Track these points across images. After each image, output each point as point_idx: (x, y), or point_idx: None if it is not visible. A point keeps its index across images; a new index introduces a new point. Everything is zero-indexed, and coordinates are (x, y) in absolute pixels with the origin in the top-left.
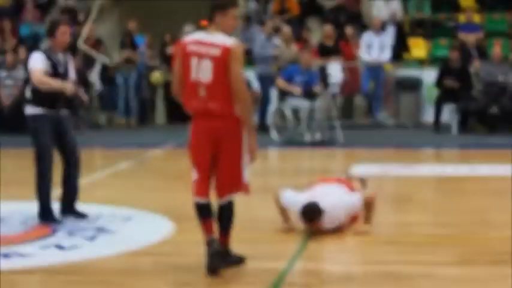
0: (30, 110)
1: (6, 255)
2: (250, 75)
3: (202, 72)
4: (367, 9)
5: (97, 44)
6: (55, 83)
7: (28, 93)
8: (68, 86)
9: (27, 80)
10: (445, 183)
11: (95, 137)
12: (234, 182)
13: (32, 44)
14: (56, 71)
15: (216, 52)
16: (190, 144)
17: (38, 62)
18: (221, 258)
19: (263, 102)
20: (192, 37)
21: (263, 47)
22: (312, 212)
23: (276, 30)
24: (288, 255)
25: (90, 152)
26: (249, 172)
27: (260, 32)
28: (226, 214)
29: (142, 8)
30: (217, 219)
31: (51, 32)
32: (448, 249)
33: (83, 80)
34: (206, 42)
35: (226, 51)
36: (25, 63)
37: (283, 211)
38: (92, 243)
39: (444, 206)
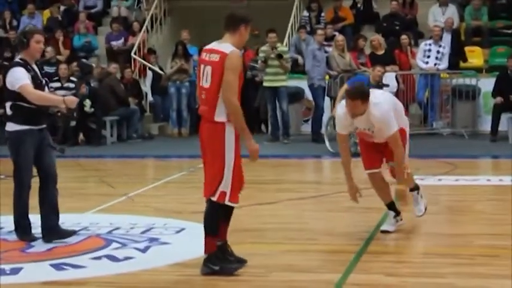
0: (12, 126)
1: (59, 267)
2: (303, 85)
3: (205, 77)
4: (422, 17)
5: (150, 54)
6: (55, 98)
7: (9, 110)
8: (70, 99)
9: (7, 97)
10: (502, 193)
11: (147, 148)
12: (210, 185)
13: (86, 55)
14: (36, 84)
15: (216, 58)
16: None
17: (23, 77)
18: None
19: (316, 112)
20: (207, 46)
21: (315, 56)
22: (356, 90)
23: (329, 39)
24: (342, 267)
25: (142, 162)
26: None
27: (312, 41)
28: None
29: (195, 18)
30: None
31: (25, 42)
32: (504, 261)
33: (136, 90)
34: (213, 49)
35: (224, 57)
36: (3, 76)
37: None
38: (145, 254)
39: (501, 217)
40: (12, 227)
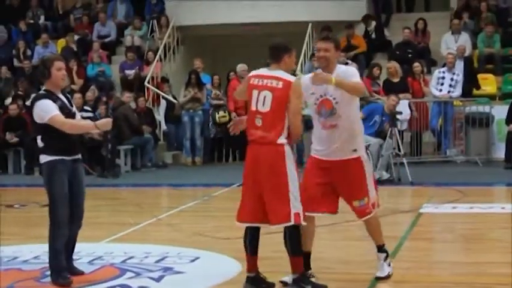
0: (44, 158)
1: None
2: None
3: (261, 102)
4: (435, 44)
5: (163, 82)
6: (87, 124)
7: (40, 143)
8: (102, 123)
9: (36, 130)
10: None
11: (161, 176)
12: (281, 211)
13: (101, 84)
14: (65, 113)
15: (278, 84)
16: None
17: (51, 108)
18: None
19: None
20: (256, 72)
21: None
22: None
23: None
24: None
25: (156, 191)
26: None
27: None
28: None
29: (207, 46)
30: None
31: (45, 71)
32: None
33: (150, 119)
34: (271, 76)
35: (288, 85)
36: (30, 110)
37: None
38: (159, 283)
39: None
40: (28, 257)
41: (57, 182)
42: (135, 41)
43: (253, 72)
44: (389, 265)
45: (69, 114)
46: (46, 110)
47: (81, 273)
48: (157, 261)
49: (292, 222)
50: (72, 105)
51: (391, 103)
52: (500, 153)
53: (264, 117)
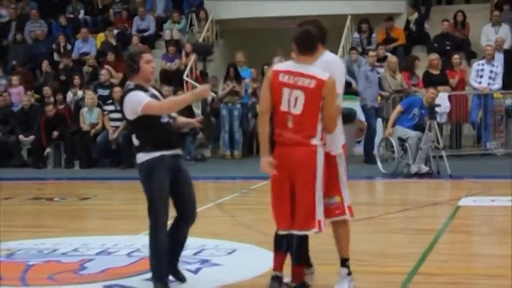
0: (141, 157)
1: None
2: (355, 106)
3: (292, 103)
4: (475, 37)
5: (202, 76)
6: (184, 96)
7: (136, 141)
8: (200, 90)
9: (130, 129)
10: None
11: (200, 169)
12: (308, 217)
13: None
14: None
15: (310, 84)
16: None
17: (142, 96)
18: None
19: (369, 133)
20: (281, 67)
21: (368, 77)
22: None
23: (381, 60)
24: None
25: (194, 184)
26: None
27: (364, 62)
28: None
29: (246, 40)
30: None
31: (134, 65)
32: None
33: (188, 113)
34: (297, 72)
35: (321, 85)
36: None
37: None
38: (196, 275)
39: None
40: (67, 249)
41: (156, 182)
42: (174, 35)
43: (279, 67)
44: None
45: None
46: (137, 100)
47: (184, 280)
48: (194, 254)
49: (316, 229)
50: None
51: (430, 96)
52: None
53: (295, 119)
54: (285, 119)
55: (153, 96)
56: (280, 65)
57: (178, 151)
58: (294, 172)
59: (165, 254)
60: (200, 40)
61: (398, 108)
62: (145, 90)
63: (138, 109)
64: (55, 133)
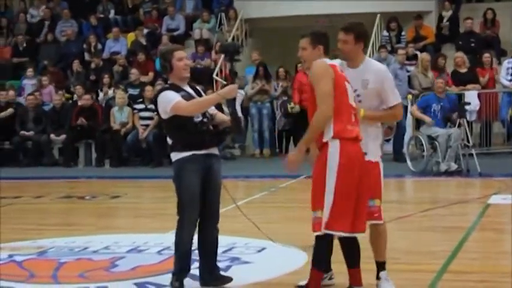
0: (174, 156)
1: (143, 286)
2: None
3: (353, 97)
4: (505, 34)
5: (232, 75)
6: (210, 97)
7: (169, 140)
8: (225, 91)
9: (164, 128)
10: None
11: (229, 168)
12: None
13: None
14: None
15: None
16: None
17: (172, 96)
18: None
19: (398, 131)
20: (332, 62)
21: (397, 75)
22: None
23: (411, 58)
24: (423, 286)
25: (224, 182)
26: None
27: (393, 60)
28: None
29: (276, 38)
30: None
31: (167, 64)
32: None
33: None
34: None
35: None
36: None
37: None
38: (226, 273)
39: None
40: (98, 247)
41: (185, 181)
42: (203, 34)
43: (331, 62)
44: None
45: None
46: (167, 100)
47: (229, 279)
48: (224, 252)
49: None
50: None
51: (439, 86)
52: None
53: (355, 115)
54: (350, 114)
55: (188, 95)
56: (328, 61)
57: (212, 150)
58: (362, 172)
59: (188, 254)
60: (229, 39)
61: (415, 109)
62: (179, 89)
63: (168, 109)
64: (84, 122)
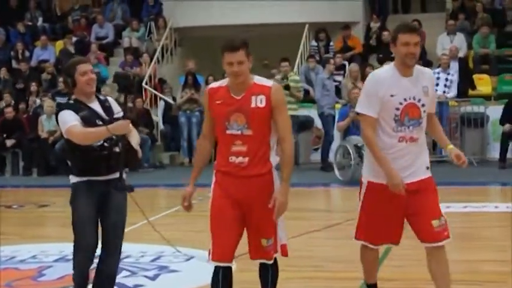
0: (71, 179)
1: None
2: (313, 114)
3: None
4: (431, 45)
5: (160, 83)
6: (98, 130)
7: (69, 161)
8: (114, 126)
9: (64, 148)
10: (510, 220)
11: (158, 177)
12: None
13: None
14: (90, 124)
15: None
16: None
17: (68, 119)
18: None
19: (326, 140)
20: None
21: (325, 85)
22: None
23: (339, 68)
24: None
25: (153, 191)
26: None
27: (321, 70)
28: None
29: (205, 48)
30: None
31: (69, 80)
32: None
33: (146, 120)
34: None
35: None
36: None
37: None
38: (154, 282)
39: (509, 244)
40: (25, 256)
41: (79, 206)
42: (132, 43)
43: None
44: None
45: (100, 125)
46: (63, 122)
47: None
48: (152, 260)
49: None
50: (112, 113)
51: (353, 95)
52: (495, 153)
53: None
54: None
55: (89, 114)
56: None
57: (112, 176)
58: None
59: (84, 280)
60: (158, 48)
61: (339, 124)
62: (81, 107)
63: (63, 131)
64: (8, 141)
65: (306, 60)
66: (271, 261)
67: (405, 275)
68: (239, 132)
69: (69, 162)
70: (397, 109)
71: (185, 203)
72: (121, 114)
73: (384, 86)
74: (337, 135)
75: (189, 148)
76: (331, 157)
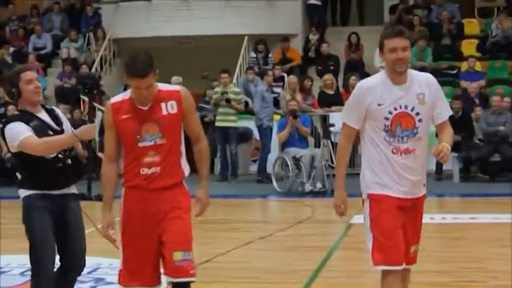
0: (22, 193)
1: None
2: (251, 125)
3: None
4: (369, 58)
5: (99, 94)
6: (63, 137)
7: (18, 175)
8: (82, 131)
9: (14, 163)
10: (445, 231)
11: (94, 188)
12: None
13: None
14: (44, 134)
15: None
16: None
17: (20, 131)
18: None
19: (263, 152)
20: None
21: (264, 97)
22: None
23: (277, 80)
24: None
25: (89, 203)
26: None
27: (260, 82)
28: None
29: None
30: None
31: (13, 91)
32: None
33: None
34: None
35: None
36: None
37: None
38: None
39: (444, 254)
40: None
41: (35, 222)
42: (71, 53)
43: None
44: None
45: (51, 135)
46: (14, 136)
47: None
48: (89, 273)
49: None
50: (60, 123)
51: (291, 106)
52: (431, 165)
53: None
54: None
55: (40, 123)
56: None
57: (68, 190)
58: None
59: None
60: (97, 59)
61: (279, 135)
62: (30, 117)
63: (15, 144)
64: None
65: (245, 72)
66: (188, 279)
67: (343, 286)
68: (152, 142)
69: (19, 176)
70: (387, 119)
71: (111, 231)
72: (69, 125)
73: (371, 95)
74: (274, 146)
75: None
76: (269, 168)
